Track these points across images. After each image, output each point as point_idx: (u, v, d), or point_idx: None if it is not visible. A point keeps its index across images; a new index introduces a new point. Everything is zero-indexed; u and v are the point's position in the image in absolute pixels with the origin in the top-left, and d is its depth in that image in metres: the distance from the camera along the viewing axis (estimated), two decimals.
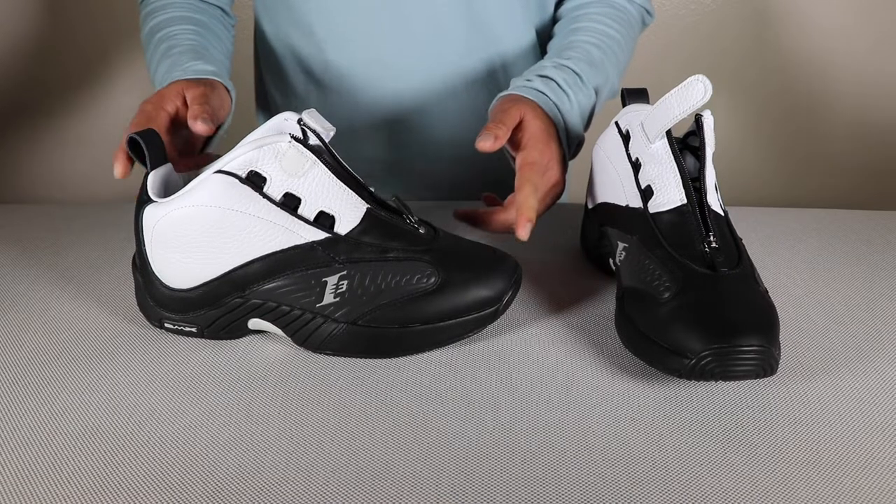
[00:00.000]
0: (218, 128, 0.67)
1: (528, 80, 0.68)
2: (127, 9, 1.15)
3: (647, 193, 0.55)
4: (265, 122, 0.53)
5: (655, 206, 0.54)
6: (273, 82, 0.89)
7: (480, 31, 0.82)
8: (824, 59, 1.15)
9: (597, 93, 0.72)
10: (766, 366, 0.46)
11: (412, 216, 0.54)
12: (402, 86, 0.83)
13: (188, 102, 0.62)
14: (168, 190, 0.53)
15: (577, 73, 0.70)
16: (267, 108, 0.93)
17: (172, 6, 0.78)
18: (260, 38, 0.89)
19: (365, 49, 0.81)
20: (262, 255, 0.51)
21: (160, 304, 0.54)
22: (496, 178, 0.92)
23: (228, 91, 0.68)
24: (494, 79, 0.85)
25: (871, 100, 1.17)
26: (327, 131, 0.53)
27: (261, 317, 0.53)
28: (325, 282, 0.51)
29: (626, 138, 0.58)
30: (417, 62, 0.82)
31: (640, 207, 0.55)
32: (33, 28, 1.17)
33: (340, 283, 0.51)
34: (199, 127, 0.58)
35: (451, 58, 0.82)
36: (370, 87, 0.83)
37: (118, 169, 0.58)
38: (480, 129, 0.62)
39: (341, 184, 0.51)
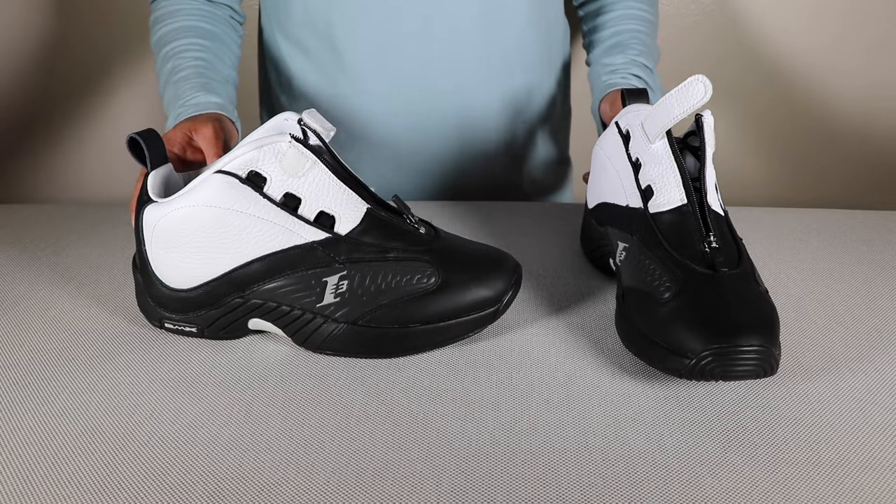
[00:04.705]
0: None
1: (624, 78, 0.81)
2: (130, 12, 1.15)
3: (647, 193, 0.55)
4: None
5: (656, 206, 0.54)
6: (281, 83, 0.89)
7: (496, 30, 0.82)
8: (826, 59, 1.15)
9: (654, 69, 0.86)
10: (766, 366, 0.46)
11: (412, 216, 0.54)
12: (418, 87, 0.83)
13: (202, 148, 0.63)
14: (168, 190, 0.53)
15: (647, 67, 0.83)
16: (272, 108, 0.93)
17: (181, 13, 0.78)
18: (268, 39, 0.89)
19: (384, 50, 0.81)
20: (262, 255, 0.51)
21: (160, 304, 0.54)
22: (506, 179, 0.92)
23: (233, 120, 0.69)
24: (510, 79, 0.85)
25: (873, 100, 1.17)
26: (327, 131, 0.53)
27: (261, 317, 0.53)
28: (326, 282, 0.51)
29: (626, 138, 0.58)
30: (436, 64, 0.81)
31: (640, 207, 0.55)
32: (35, 31, 1.16)
33: (341, 283, 0.51)
34: None
35: (468, 60, 0.82)
36: (386, 87, 0.83)
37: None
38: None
39: (341, 184, 0.51)
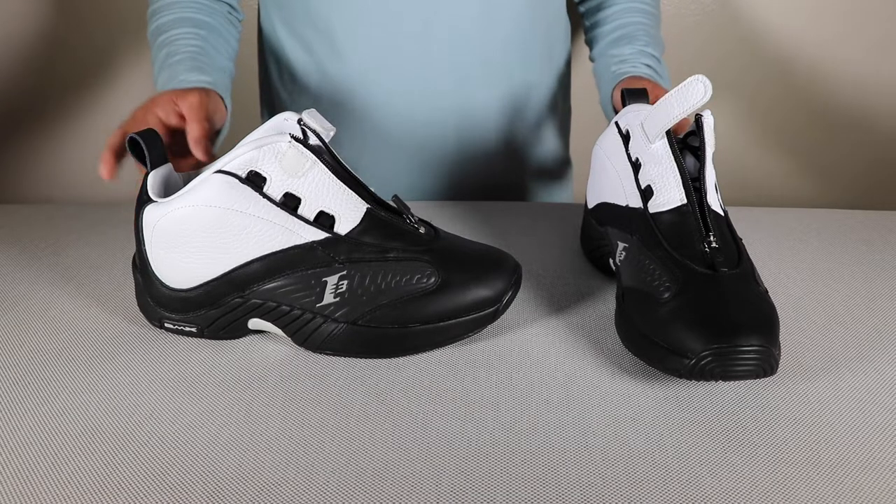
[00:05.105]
0: (217, 133, 0.67)
1: (635, 66, 0.80)
2: (128, 9, 1.15)
3: (647, 193, 0.55)
4: None
5: (655, 205, 0.54)
6: (282, 79, 0.89)
7: (496, 30, 0.82)
8: (826, 59, 1.15)
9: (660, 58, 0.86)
10: (766, 366, 0.46)
11: (412, 216, 0.54)
12: (418, 86, 0.83)
13: (184, 113, 0.63)
14: (168, 190, 0.53)
15: (656, 56, 0.83)
16: (273, 107, 0.93)
17: (178, 5, 0.78)
18: (269, 38, 0.89)
19: (384, 50, 0.81)
20: (261, 255, 0.51)
21: (160, 303, 0.54)
22: (506, 179, 0.92)
23: (223, 98, 0.69)
24: (510, 78, 0.85)
25: (872, 100, 1.17)
26: (327, 131, 0.53)
27: (261, 317, 0.53)
28: (325, 282, 0.51)
29: (626, 138, 0.58)
30: (436, 63, 0.81)
31: (640, 207, 0.55)
32: (33, 29, 1.16)
33: (340, 283, 0.51)
34: (200, 155, 0.59)
35: (468, 60, 0.82)
36: (386, 87, 0.83)
37: (103, 169, 0.59)
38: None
39: (341, 184, 0.51)
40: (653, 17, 0.86)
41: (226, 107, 0.70)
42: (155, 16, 0.79)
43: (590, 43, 0.90)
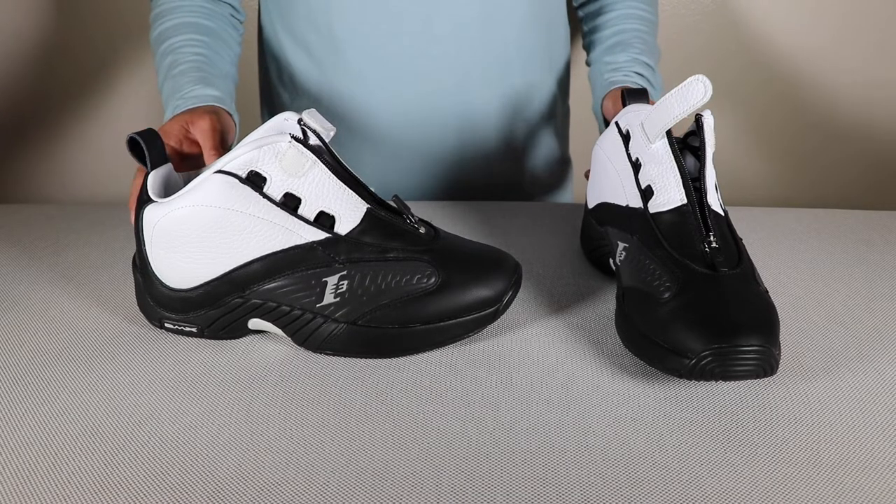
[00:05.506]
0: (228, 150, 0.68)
1: (627, 76, 0.81)
2: (130, 10, 1.15)
3: (647, 193, 0.55)
4: None
5: (655, 205, 0.54)
6: (282, 80, 0.89)
7: (496, 30, 0.82)
8: (826, 59, 1.15)
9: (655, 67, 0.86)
10: (766, 366, 0.46)
11: (412, 216, 0.54)
12: (418, 86, 0.83)
13: (198, 140, 0.63)
14: (168, 190, 0.53)
15: (649, 65, 0.83)
16: (272, 106, 0.93)
17: (181, 10, 0.78)
18: (269, 38, 0.89)
19: (384, 49, 0.81)
20: (262, 255, 0.51)
21: (160, 303, 0.54)
22: (506, 178, 0.92)
23: (231, 114, 0.69)
24: (510, 78, 0.85)
25: (873, 100, 1.17)
26: (327, 131, 0.53)
27: (261, 317, 0.53)
28: (326, 282, 0.51)
29: (626, 138, 0.58)
30: (436, 63, 0.81)
31: (640, 207, 0.55)
32: (35, 29, 1.17)
33: (340, 283, 0.51)
34: None
35: (468, 60, 0.82)
36: (387, 86, 0.83)
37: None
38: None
39: (341, 184, 0.51)
40: (650, 23, 0.87)
41: (235, 122, 0.70)
42: (157, 21, 0.79)
43: (587, 48, 0.90)
